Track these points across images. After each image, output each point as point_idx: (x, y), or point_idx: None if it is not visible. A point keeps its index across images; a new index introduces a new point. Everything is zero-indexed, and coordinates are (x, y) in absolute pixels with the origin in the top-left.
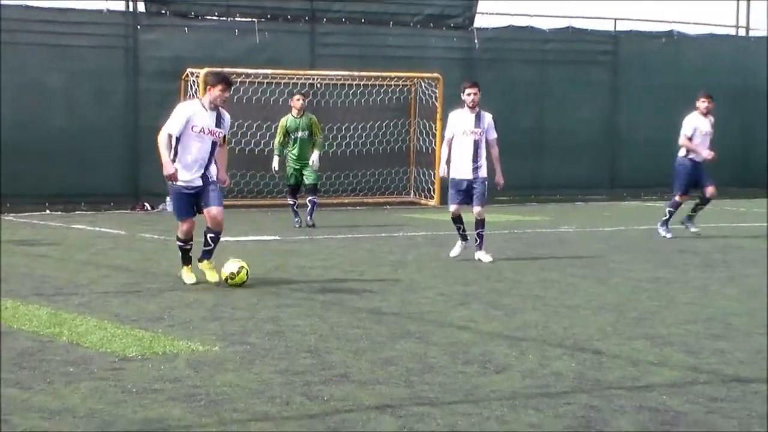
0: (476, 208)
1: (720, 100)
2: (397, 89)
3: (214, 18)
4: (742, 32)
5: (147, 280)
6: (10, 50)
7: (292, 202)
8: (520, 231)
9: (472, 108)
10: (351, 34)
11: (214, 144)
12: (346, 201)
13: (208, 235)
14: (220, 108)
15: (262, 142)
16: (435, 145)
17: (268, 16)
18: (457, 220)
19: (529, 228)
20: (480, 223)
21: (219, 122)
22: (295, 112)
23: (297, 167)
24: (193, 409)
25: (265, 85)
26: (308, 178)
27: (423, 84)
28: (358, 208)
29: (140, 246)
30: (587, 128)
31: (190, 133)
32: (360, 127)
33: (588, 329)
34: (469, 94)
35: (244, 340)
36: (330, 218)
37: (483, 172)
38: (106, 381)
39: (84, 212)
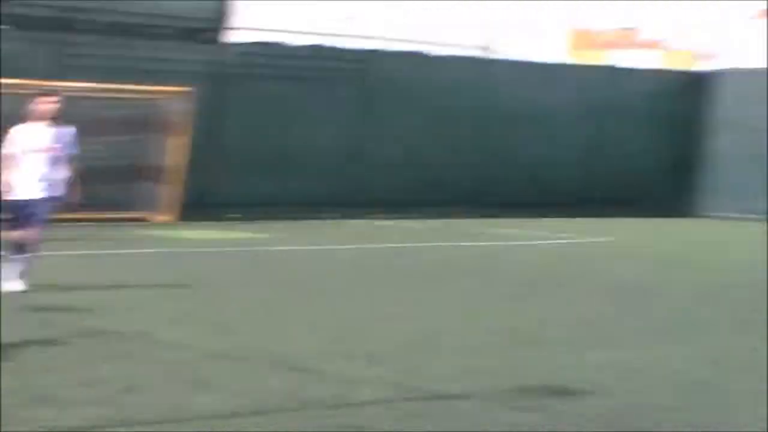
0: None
1: (462, 122)
2: (141, 103)
3: None
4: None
5: None
6: None
7: None
8: (248, 248)
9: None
10: (100, 45)
11: None
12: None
13: None
14: None
15: None
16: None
17: None
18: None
19: (258, 245)
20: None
21: None
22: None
23: None
24: None
25: None
26: None
27: (167, 99)
28: (85, 223)
29: None
30: (331, 146)
31: None
32: (99, 141)
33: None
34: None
35: None
36: (62, 233)
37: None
38: None
39: None
